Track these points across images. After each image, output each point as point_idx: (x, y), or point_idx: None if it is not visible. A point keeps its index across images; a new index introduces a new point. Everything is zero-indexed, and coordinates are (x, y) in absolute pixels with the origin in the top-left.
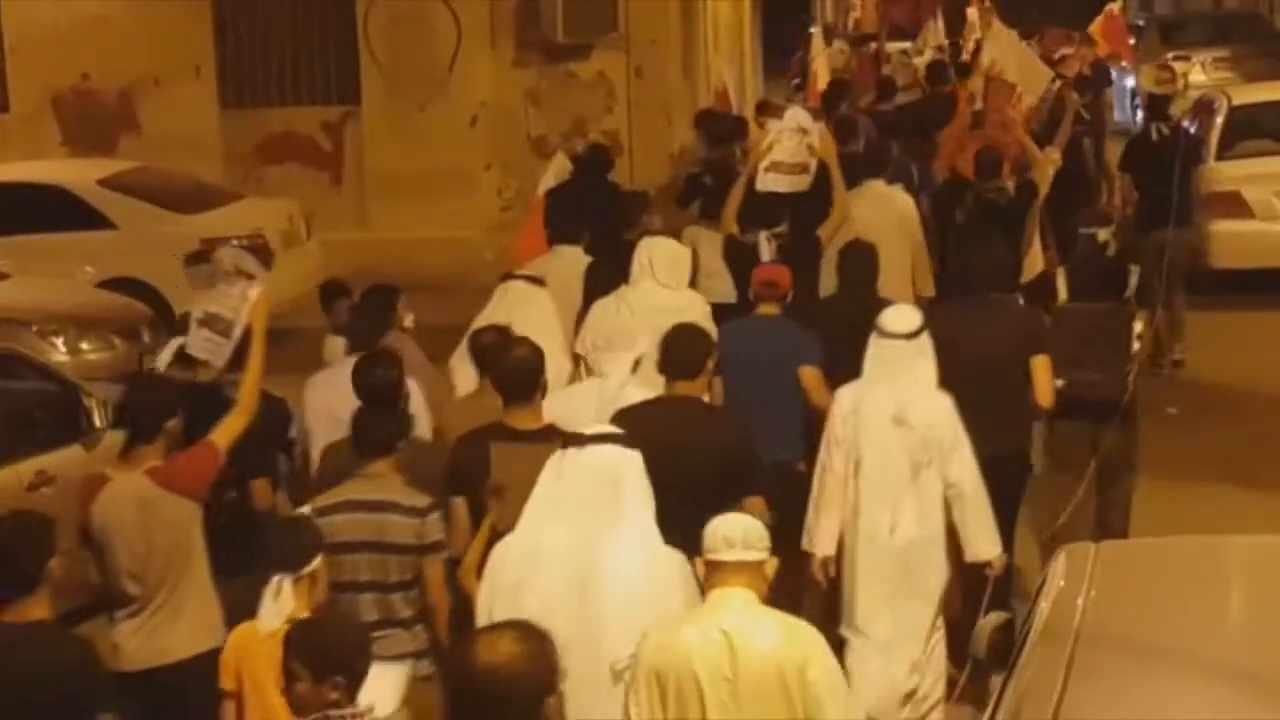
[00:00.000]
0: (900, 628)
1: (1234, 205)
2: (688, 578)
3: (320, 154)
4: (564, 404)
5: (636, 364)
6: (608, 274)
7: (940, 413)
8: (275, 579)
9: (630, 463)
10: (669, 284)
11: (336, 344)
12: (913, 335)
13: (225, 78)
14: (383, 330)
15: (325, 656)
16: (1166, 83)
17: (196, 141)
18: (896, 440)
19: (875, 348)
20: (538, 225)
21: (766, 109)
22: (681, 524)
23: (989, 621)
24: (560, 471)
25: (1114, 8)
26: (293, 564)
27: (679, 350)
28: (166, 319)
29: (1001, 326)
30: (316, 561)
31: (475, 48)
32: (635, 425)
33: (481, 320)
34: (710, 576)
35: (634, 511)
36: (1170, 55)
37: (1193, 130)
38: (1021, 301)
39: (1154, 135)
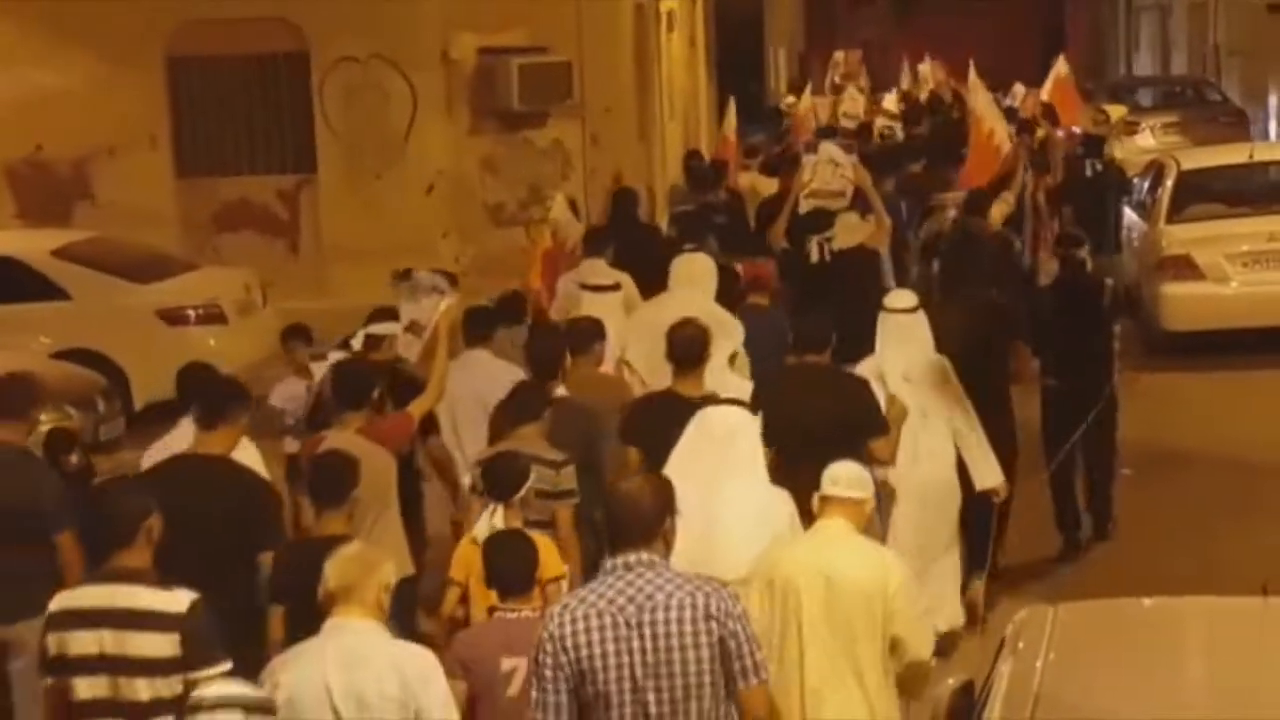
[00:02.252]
0: (921, 544)
1: (1185, 268)
2: (792, 513)
3: (277, 222)
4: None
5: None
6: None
7: (938, 372)
8: (491, 505)
9: (748, 421)
10: (699, 292)
11: (412, 344)
12: (912, 310)
13: (180, 147)
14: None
15: (502, 567)
16: (1101, 124)
17: (152, 211)
18: (906, 392)
19: (883, 321)
20: (552, 265)
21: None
22: (819, 464)
23: (949, 685)
24: (697, 427)
25: (1061, 71)
26: (504, 493)
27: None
28: (121, 389)
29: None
30: (522, 491)
31: (431, 116)
32: (777, 389)
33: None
34: (820, 508)
35: (744, 460)
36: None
37: (1146, 183)
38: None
39: (1089, 171)
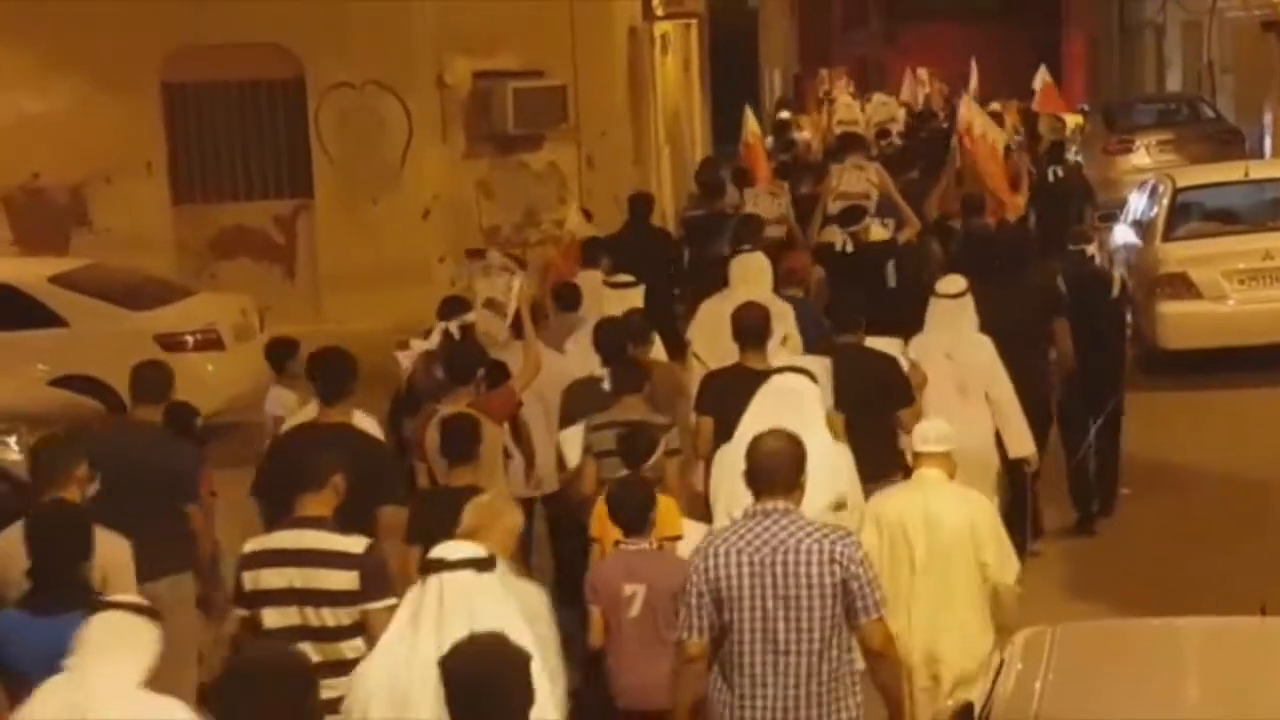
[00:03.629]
0: None
1: (1181, 286)
2: (852, 464)
3: (273, 248)
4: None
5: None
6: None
7: (981, 351)
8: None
9: (809, 386)
10: (757, 287)
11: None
12: (959, 295)
13: (176, 173)
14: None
15: (626, 507)
16: (1058, 129)
17: (148, 237)
18: (947, 369)
19: (932, 305)
20: (572, 263)
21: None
22: (866, 424)
23: (948, 708)
24: (765, 392)
25: (1045, 79)
26: (639, 459)
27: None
28: (118, 415)
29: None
30: (654, 457)
31: (427, 140)
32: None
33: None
34: (916, 461)
35: (811, 418)
36: (1115, 139)
37: (1141, 201)
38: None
39: (1050, 177)
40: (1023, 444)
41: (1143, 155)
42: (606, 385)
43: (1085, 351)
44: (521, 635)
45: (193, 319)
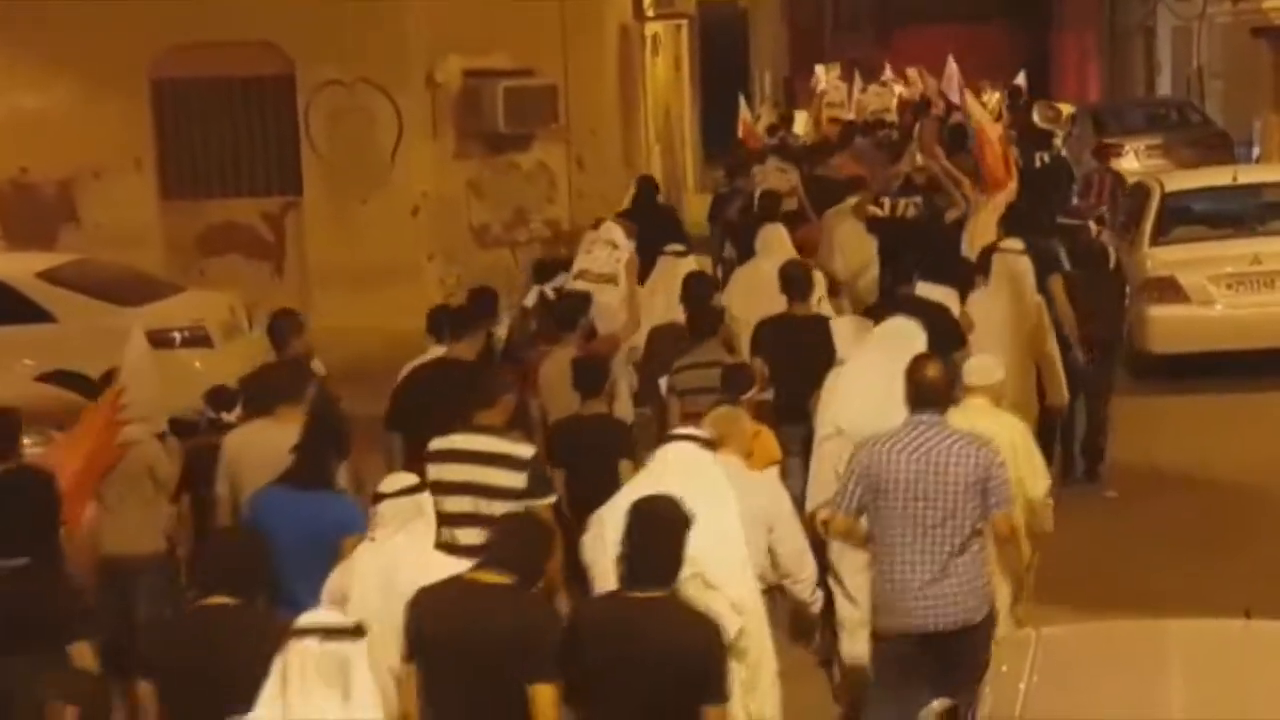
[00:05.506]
0: None
1: (1170, 290)
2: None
3: (262, 245)
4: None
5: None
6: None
7: (1030, 305)
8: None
9: (914, 329)
10: (779, 255)
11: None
12: (1022, 252)
13: (165, 169)
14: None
15: (728, 433)
16: (1051, 120)
17: (137, 234)
18: (996, 319)
19: (996, 260)
20: None
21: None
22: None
23: (932, 709)
24: (856, 332)
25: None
26: (740, 393)
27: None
28: None
29: None
30: (751, 392)
31: (416, 138)
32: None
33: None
34: (964, 393)
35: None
36: (1109, 146)
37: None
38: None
39: (1037, 163)
40: (1058, 394)
41: (1132, 160)
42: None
43: (1085, 321)
44: (725, 509)
45: (181, 316)
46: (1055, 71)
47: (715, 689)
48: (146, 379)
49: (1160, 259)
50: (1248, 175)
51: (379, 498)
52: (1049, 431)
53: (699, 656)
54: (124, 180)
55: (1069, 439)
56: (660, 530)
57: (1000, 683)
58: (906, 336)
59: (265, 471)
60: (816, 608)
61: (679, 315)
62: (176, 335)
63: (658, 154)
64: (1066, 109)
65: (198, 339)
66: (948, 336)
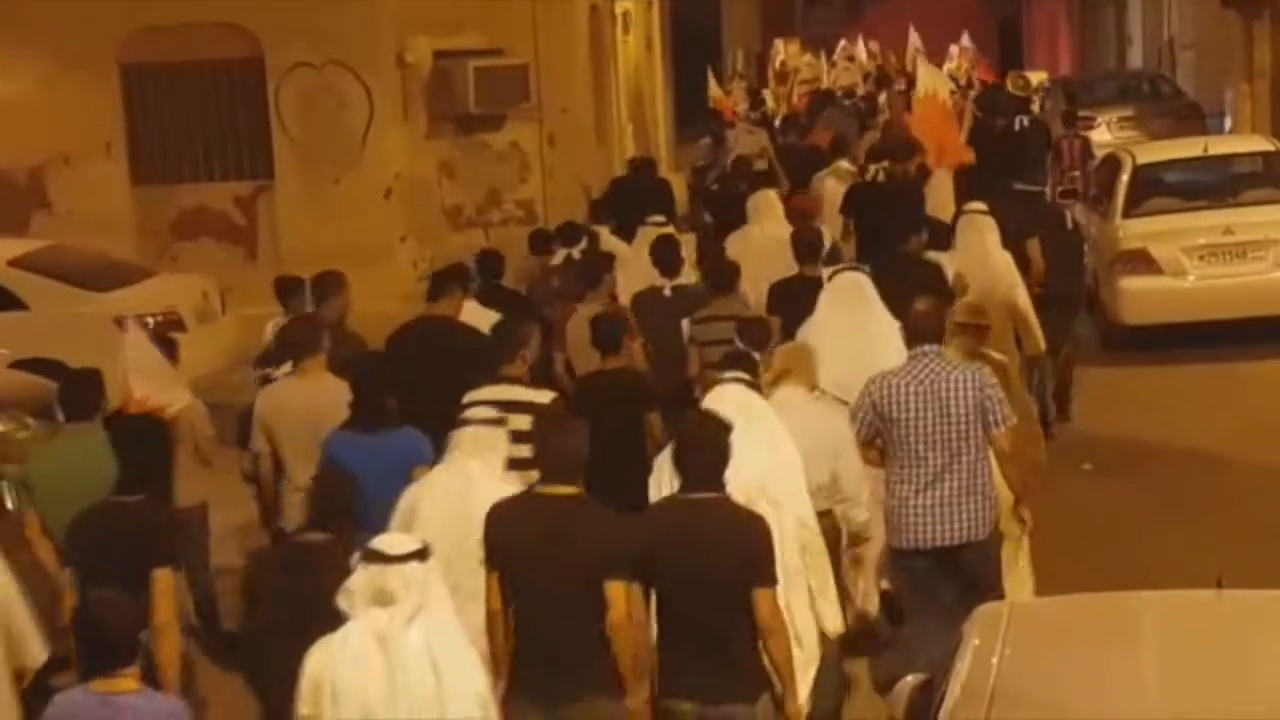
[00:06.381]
0: None
1: (1142, 262)
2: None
3: (234, 229)
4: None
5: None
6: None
7: (1000, 262)
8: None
9: (865, 279)
10: (770, 220)
11: None
12: (984, 213)
13: (136, 154)
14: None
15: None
16: (1023, 87)
17: (109, 219)
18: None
19: (962, 221)
20: None
21: None
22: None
23: (908, 682)
24: (834, 284)
25: (964, 42)
26: (762, 346)
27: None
28: None
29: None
30: (774, 341)
31: (388, 120)
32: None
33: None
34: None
35: (875, 301)
36: (1077, 114)
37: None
38: None
39: (1017, 127)
40: (1034, 343)
41: (1103, 131)
42: (668, 293)
43: (1049, 278)
44: (782, 439)
45: (154, 301)
46: (1027, 44)
47: (765, 574)
48: (154, 367)
49: (1133, 231)
50: (1219, 146)
51: (463, 423)
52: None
53: (749, 545)
54: (95, 166)
55: (1041, 391)
56: (705, 439)
57: (973, 656)
58: (856, 291)
59: (297, 423)
60: (869, 530)
61: (657, 281)
62: (150, 320)
63: (630, 133)
64: (1037, 77)
65: (171, 324)
66: (940, 293)
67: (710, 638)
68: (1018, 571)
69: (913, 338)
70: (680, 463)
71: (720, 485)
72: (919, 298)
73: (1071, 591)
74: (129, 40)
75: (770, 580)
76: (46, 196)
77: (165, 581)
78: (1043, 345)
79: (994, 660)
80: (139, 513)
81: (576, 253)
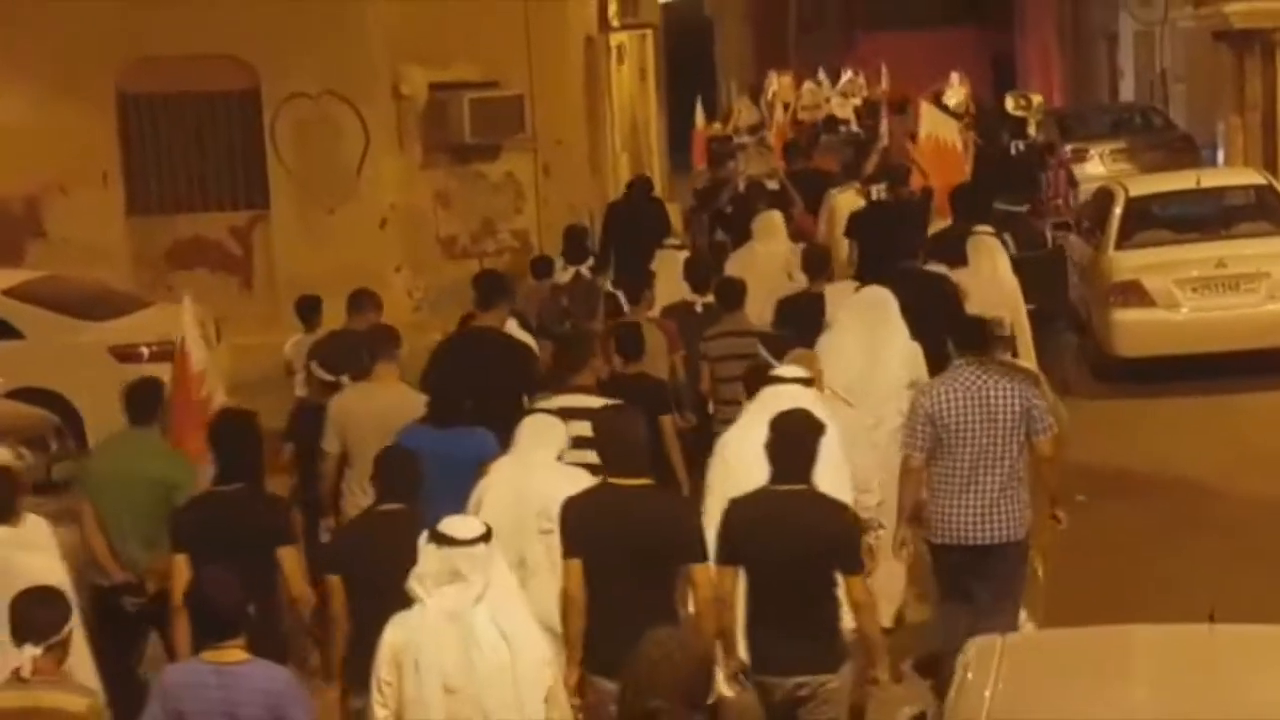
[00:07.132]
0: None
1: (1135, 294)
2: (921, 354)
3: (230, 259)
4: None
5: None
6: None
7: (1006, 280)
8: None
9: (888, 296)
10: (774, 240)
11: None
12: (994, 234)
13: (132, 184)
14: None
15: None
16: (1023, 108)
17: (104, 249)
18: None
19: (971, 241)
20: None
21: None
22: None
23: (905, 714)
24: (855, 300)
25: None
26: (780, 354)
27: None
28: (74, 428)
29: None
30: (791, 355)
31: (383, 150)
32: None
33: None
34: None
35: (896, 318)
36: (1069, 148)
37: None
38: None
39: (1013, 150)
40: (1030, 360)
41: (1097, 164)
42: (699, 309)
43: (1029, 296)
44: (829, 436)
45: (149, 331)
46: (1020, 76)
47: (852, 561)
48: (203, 352)
49: (1125, 263)
50: (1211, 179)
51: (531, 412)
52: None
53: (837, 533)
54: (91, 195)
55: None
56: (799, 435)
57: (966, 689)
58: (881, 305)
59: (373, 426)
60: (880, 516)
61: (689, 297)
62: (144, 350)
63: (625, 163)
64: (1037, 98)
65: (166, 354)
66: (948, 304)
67: (800, 617)
68: (1035, 587)
69: (959, 346)
70: (774, 456)
71: (809, 479)
72: (946, 311)
73: (1066, 620)
74: (126, 70)
75: (859, 565)
76: (42, 226)
77: (292, 558)
78: (1034, 360)
79: (986, 694)
80: (244, 499)
81: (585, 270)
